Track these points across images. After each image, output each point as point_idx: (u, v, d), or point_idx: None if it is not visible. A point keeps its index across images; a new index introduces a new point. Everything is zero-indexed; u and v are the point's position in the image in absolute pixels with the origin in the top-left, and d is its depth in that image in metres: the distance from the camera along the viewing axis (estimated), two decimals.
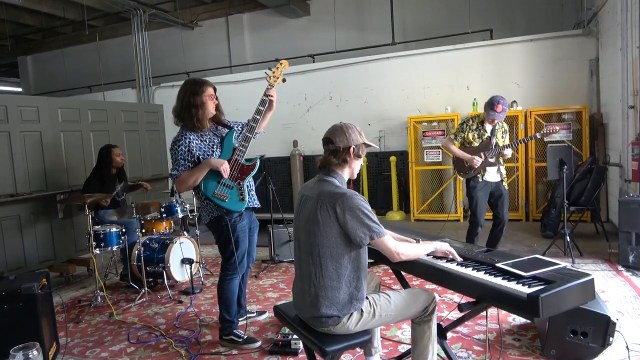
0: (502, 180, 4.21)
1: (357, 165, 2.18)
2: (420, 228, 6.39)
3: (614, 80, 5.48)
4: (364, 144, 2.15)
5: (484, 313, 2.50)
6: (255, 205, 3.14)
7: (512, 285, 1.84)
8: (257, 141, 3.19)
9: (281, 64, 3.01)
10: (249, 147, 3.00)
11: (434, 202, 7.16)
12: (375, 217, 2.01)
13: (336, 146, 2.08)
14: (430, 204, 7.15)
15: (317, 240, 1.99)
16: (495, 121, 4.09)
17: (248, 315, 3.42)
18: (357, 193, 2.02)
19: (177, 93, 2.99)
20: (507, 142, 4.21)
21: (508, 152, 4.10)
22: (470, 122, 4.21)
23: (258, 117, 2.96)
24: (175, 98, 3.03)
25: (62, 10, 9.08)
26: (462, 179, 4.81)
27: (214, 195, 2.91)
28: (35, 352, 1.30)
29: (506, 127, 4.27)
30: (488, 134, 4.14)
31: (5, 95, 5.80)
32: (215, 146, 3.00)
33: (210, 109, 2.97)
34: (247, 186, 3.04)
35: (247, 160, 3.01)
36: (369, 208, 2.01)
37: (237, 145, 3.00)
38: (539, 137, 4.23)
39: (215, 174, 2.91)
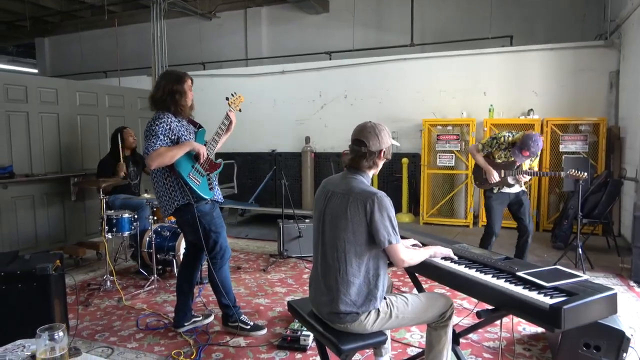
0: (523, 191, 4.12)
1: (381, 164, 2.19)
2: (429, 231, 6.35)
3: (634, 93, 5.42)
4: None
5: (496, 321, 2.50)
6: (219, 199, 3.16)
7: (534, 295, 1.83)
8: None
9: (240, 96, 3.20)
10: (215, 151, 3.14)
11: (444, 206, 7.13)
12: (396, 224, 2.02)
13: (369, 149, 2.07)
14: (440, 208, 7.13)
15: (344, 235, 2.00)
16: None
17: (194, 319, 3.33)
18: (387, 195, 2.02)
19: (157, 82, 3.08)
20: (534, 165, 4.12)
21: (526, 178, 4.00)
22: (502, 140, 4.08)
23: (223, 127, 3.11)
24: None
25: None
26: (476, 187, 4.74)
27: (189, 176, 2.94)
28: (61, 334, 1.30)
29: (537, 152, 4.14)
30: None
31: (26, 76, 5.81)
32: (191, 134, 3.08)
33: (190, 99, 3.08)
34: (213, 180, 3.13)
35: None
36: (394, 214, 2.02)
37: (206, 142, 3.12)
38: (562, 176, 4.12)
39: (189, 158, 2.96)
